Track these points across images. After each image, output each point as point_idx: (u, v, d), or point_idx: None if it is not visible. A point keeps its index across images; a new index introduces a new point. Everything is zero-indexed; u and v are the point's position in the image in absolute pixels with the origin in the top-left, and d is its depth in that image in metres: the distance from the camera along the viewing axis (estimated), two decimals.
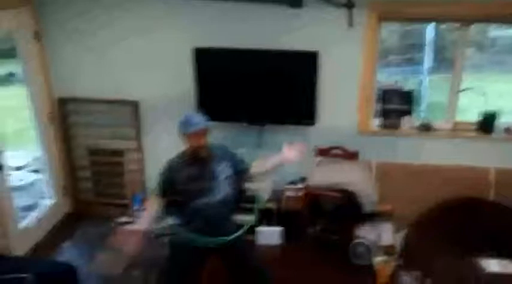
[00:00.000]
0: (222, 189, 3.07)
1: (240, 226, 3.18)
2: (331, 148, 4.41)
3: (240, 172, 3.20)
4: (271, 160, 3.20)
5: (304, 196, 4.26)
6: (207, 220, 3.05)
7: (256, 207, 3.47)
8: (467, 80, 4.39)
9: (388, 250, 4.09)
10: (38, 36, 4.39)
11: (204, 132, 2.99)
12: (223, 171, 3.08)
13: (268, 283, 3.28)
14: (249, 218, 4.34)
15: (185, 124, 2.99)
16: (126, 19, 4.35)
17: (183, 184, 3.02)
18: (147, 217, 3.08)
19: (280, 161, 3.16)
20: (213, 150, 3.08)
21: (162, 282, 3.40)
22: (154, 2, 4.23)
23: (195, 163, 3.03)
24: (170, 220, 3.43)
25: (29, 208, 4.79)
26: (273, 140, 4.50)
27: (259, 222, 4.20)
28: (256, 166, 3.26)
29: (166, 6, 4.23)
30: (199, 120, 3.00)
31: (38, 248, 4.43)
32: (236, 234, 3.11)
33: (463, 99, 4.40)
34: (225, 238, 3.06)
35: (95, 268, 4.15)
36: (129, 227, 2.94)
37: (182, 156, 3.10)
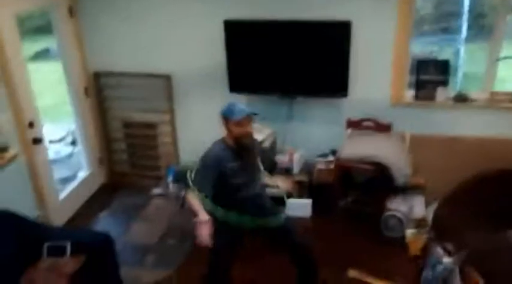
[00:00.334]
0: (263, 179, 3.10)
1: (277, 200, 3.22)
2: (363, 120, 4.36)
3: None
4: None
5: (336, 169, 4.24)
6: (250, 209, 3.01)
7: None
8: (507, 49, 4.23)
9: (420, 223, 4.07)
10: (72, 11, 4.45)
11: (249, 120, 2.91)
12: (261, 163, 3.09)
13: (313, 261, 3.26)
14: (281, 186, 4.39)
15: (231, 111, 2.88)
16: None
17: (229, 178, 2.92)
18: (199, 206, 2.89)
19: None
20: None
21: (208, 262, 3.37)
22: None
23: (240, 153, 2.95)
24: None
25: (67, 179, 4.95)
26: (304, 112, 4.50)
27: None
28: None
29: None
30: (245, 108, 2.91)
31: (75, 218, 4.59)
32: (283, 214, 3.15)
33: (502, 69, 4.26)
34: (273, 220, 3.08)
35: (131, 237, 4.28)
36: (197, 219, 2.85)
37: (224, 148, 2.96)
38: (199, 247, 2.91)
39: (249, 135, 2.96)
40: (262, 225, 3.05)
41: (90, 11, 4.53)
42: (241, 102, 3.02)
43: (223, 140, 2.98)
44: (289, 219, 3.28)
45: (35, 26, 8.29)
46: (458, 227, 3.53)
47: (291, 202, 4.31)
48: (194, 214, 2.89)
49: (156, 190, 4.96)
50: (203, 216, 2.84)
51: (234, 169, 2.92)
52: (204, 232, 2.83)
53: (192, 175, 2.96)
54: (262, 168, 3.13)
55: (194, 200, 2.91)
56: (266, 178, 3.30)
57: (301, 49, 4.19)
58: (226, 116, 2.90)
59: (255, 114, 2.94)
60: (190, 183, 2.93)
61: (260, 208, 3.07)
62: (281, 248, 3.22)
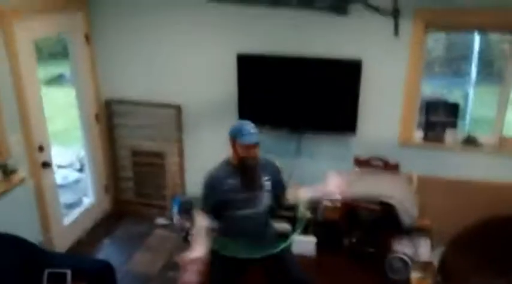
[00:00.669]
0: (266, 200, 3.03)
1: (281, 236, 3.17)
2: (371, 159, 4.35)
3: (277, 192, 3.13)
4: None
5: (342, 207, 4.21)
6: (251, 230, 3.00)
7: (300, 219, 3.34)
8: None
9: (425, 267, 4.00)
10: (88, 38, 4.55)
11: (256, 146, 2.92)
12: (269, 184, 3.03)
13: None
14: (289, 228, 4.35)
15: (240, 132, 2.90)
16: (173, 26, 4.45)
17: (229, 194, 2.93)
18: (201, 242, 2.88)
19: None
20: (260, 161, 3.03)
21: None
22: (203, 8, 4.28)
23: (241, 172, 2.96)
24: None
25: (72, 205, 4.96)
26: (313, 148, 4.50)
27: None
28: (290, 194, 3.22)
29: (214, 13, 4.29)
30: (254, 132, 2.91)
31: (78, 244, 4.57)
32: (284, 245, 3.06)
33: (511, 113, 4.27)
34: (273, 250, 3.00)
35: (132, 267, 4.25)
36: (188, 255, 2.76)
37: (227, 164, 3.01)
38: None
39: (254, 158, 2.95)
40: (259, 251, 2.97)
41: (106, 39, 4.63)
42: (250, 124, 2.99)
43: (226, 160, 3.02)
44: (291, 254, 3.25)
45: (50, 52, 8.47)
46: (465, 272, 3.47)
47: (296, 239, 4.29)
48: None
49: (160, 220, 4.93)
50: (196, 252, 2.80)
51: (233, 185, 2.93)
52: (193, 269, 2.75)
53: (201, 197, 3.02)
54: (268, 190, 3.04)
55: (199, 226, 2.93)
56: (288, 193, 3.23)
57: (312, 85, 4.23)
58: (234, 137, 2.91)
59: (259, 142, 2.95)
60: (200, 205, 2.98)
61: (260, 229, 3.05)
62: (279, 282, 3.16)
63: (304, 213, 3.31)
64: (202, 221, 2.97)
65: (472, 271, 3.47)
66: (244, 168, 2.95)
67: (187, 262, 2.75)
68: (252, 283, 3.37)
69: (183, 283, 2.77)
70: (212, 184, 2.96)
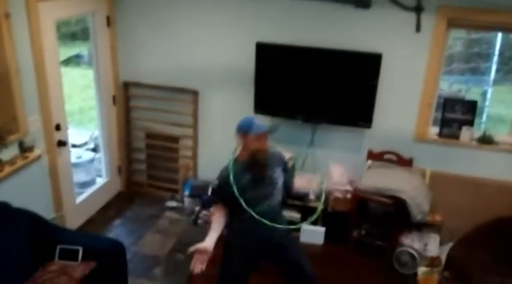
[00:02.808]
0: (278, 194, 3.03)
1: (290, 224, 3.17)
2: (384, 152, 4.34)
3: (285, 182, 3.12)
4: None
5: (353, 199, 4.22)
6: (262, 225, 2.92)
7: (316, 208, 3.32)
8: None
9: (434, 262, 4.00)
10: (109, 21, 4.56)
11: (266, 135, 2.91)
12: (279, 176, 3.03)
13: None
14: (297, 216, 4.36)
15: (248, 125, 2.89)
16: (195, 12, 4.45)
17: (243, 191, 2.86)
18: (213, 235, 2.88)
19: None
20: (270, 155, 3.01)
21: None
22: None
23: (254, 168, 2.92)
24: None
25: (85, 184, 5.01)
26: (326, 139, 4.50)
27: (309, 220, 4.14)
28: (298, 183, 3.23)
29: (236, 0, 4.30)
30: (262, 123, 2.93)
31: (89, 223, 4.63)
32: (294, 226, 3.11)
33: None
34: (284, 226, 3.02)
35: (141, 248, 4.30)
36: (196, 246, 2.77)
37: (238, 161, 2.96)
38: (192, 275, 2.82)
39: (265, 151, 2.93)
40: (271, 237, 3.00)
41: (126, 22, 4.64)
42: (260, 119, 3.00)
43: (233, 158, 2.97)
44: (299, 248, 3.29)
45: (69, 32, 8.52)
46: (472, 270, 3.47)
47: (305, 228, 4.32)
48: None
49: (171, 203, 4.98)
50: (204, 243, 2.80)
51: (247, 182, 2.91)
52: (201, 259, 2.78)
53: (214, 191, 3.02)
54: (280, 183, 3.04)
55: (213, 220, 2.95)
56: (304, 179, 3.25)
57: (330, 77, 4.22)
58: (244, 131, 2.90)
59: (274, 129, 2.95)
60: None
61: (272, 222, 2.97)
62: (288, 277, 3.15)
63: (318, 203, 3.28)
64: (219, 216, 2.98)
65: (480, 269, 3.46)
66: (255, 164, 2.92)
67: (195, 251, 2.78)
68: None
69: (192, 271, 2.80)
70: (228, 179, 2.87)
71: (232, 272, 3.07)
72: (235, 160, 2.95)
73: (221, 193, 3.00)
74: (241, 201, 2.80)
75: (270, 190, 3.00)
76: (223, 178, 2.94)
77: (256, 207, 2.89)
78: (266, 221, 2.83)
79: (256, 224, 2.86)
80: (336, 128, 4.40)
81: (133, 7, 4.58)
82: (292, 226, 3.08)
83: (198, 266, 2.78)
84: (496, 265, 3.49)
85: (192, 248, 2.76)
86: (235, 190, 2.80)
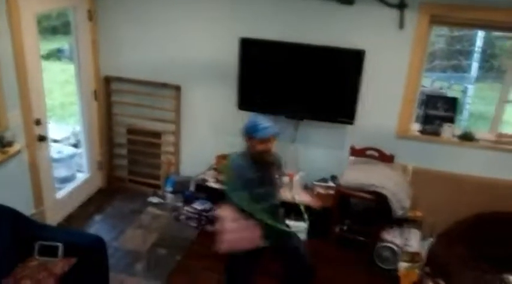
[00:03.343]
0: (277, 193, 3.10)
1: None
2: (367, 148, 4.37)
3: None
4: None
5: (335, 195, 4.24)
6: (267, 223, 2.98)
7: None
8: None
9: (414, 257, 4.04)
10: (90, 15, 4.50)
11: (273, 138, 2.94)
12: (276, 176, 3.10)
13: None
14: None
15: (255, 128, 2.90)
16: (177, 6, 4.41)
17: (250, 188, 2.91)
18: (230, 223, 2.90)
19: None
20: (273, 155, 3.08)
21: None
22: None
23: (260, 167, 2.98)
24: None
25: (65, 179, 4.95)
26: (309, 135, 4.51)
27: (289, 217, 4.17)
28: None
29: None
30: (270, 125, 2.92)
31: (70, 219, 4.58)
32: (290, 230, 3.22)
33: (509, 111, 4.28)
34: (283, 228, 3.10)
35: (123, 243, 4.26)
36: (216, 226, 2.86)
37: (246, 159, 2.99)
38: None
39: (270, 152, 2.98)
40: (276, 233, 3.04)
41: (108, 16, 4.58)
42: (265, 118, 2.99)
43: (243, 153, 3.01)
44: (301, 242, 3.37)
45: (50, 26, 8.39)
46: (452, 265, 3.51)
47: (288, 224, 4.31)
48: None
49: (153, 199, 4.95)
50: (225, 211, 2.87)
51: (254, 180, 2.94)
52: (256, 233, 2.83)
53: (226, 190, 3.00)
54: (280, 183, 3.14)
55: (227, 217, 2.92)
56: (294, 194, 3.39)
57: (313, 73, 4.22)
58: (250, 133, 2.92)
59: (278, 133, 2.98)
60: (228, 197, 2.94)
61: (273, 221, 3.03)
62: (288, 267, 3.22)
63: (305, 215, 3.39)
64: (229, 213, 2.94)
65: (460, 264, 3.51)
66: (261, 165, 2.97)
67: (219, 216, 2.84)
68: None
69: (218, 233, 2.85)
70: (240, 172, 2.92)
71: (240, 264, 3.10)
72: (246, 156, 2.99)
73: (243, 180, 2.92)
74: (254, 191, 2.87)
75: (272, 189, 3.06)
76: (240, 167, 2.95)
77: (261, 204, 2.93)
78: (269, 221, 2.89)
79: (260, 221, 2.90)
80: (319, 124, 4.41)
81: (115, 1, 4.52)
82: (290, 230, 3.21)
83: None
84: (476, 261, 3.54)
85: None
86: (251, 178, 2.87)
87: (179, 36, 4.51)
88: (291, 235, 3.23)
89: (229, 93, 4.47)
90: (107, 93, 4.86)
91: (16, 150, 3.68)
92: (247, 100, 4.40)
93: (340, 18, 4.10)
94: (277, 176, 3.16)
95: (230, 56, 4.35)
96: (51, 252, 3.20)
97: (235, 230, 2.85)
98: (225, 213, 2.92)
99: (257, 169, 2.98)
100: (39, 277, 3.03)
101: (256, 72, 4.34)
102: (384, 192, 3.95)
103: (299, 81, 4.27)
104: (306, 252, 3.24)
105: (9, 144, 3.62)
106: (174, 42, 4.54)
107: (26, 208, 3.73)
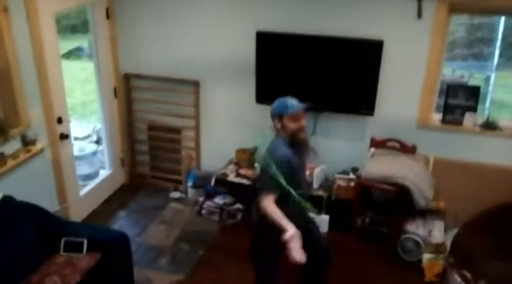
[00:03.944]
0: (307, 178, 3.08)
1: None
2: (388, 140, 4.33)
3: None
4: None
5: (356, 187, 4.21)
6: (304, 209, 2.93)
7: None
8: None
9: (438, 248, 4.01)
10: (109, 12, 4.54)
11: (302, 114, 2.84)
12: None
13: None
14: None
15: (285, 106, 2.81)
16: (194, 2, 4.42)
17: (292, 175, 2.79)
18: (283, 218, 2.67)
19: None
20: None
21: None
22: None
23: (297, 149, 2.87)
24: None
25: (88, 177, 5.02)
26: (328, 127, 4.49)
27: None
28: None
29: None
30: (296, 102, 2.84)
31: (93, 215, 4.64)
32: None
33: None
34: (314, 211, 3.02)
35: (146, 239, 4.31)
36: (288, 234, 2.57)
37: (286, 144, 2.83)
38: (291, 264, 2.61)
39: (304, 130, 2.89)
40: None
41: (126, 13, 4.62)
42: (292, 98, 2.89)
43: (278, 140, 2.85)
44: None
45: (69, 25, 8.50)
46: (478, 255, 3.46)
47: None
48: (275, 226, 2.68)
49: (175, 194, 4.99)
50: (292, 229, 2.60)
51: (297, 165, 2.85)
52: (297, 246, 2.59)
53: (264, 180, 2.82)
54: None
55: (275, 210, 2.71)
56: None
57: (331, 65, 4.19)
58: (281, 112, 2.82)
59: (308, 107, 2.89)
60: (265, 188, 2.77)
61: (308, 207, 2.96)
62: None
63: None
64: (274, 207, 2.77)
65: (485, 255, 3.46)
66: (298, 146, 2.88)
67: (288, 239, 2.60)
68: None
69: (292, 261, 2.62)
70: (285, 162, 2.76)
71: (271, 253, 2.98)
72: (283, 140, 2.84)
73: (288, 168, 2.77)
74: (295, 178, 2.79)
75: (304, 173, 3.00)
76: (285, 154, 2.78)
77: (300, 189, 2.84)
78: (308, 205, 2.84)
79: (299, 209, 2.84)
80: (339, 116, 4.39)
81: (133, 0, 4.55)
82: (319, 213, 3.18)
83: (300, 254, 2.60)
84: (501, 250, 3.49)
85: (286, 236, 2.58)
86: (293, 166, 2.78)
87: (196, 32, 4.52)
88: (315, 222, 3.27)
89: (248, 86, 4.47)
90: (126, 90, 4.91)
91: (39, 148, 3.74)
92: (265, 93, 4.39)
93: (357, 9, 4.06)
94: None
95: (247, 50, 4.35)
96: (76, 248, 3.25)
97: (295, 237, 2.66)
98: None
99: (298, 155, 2.87)
100: (65, 272, 3.07)
101: (274, 65, 4.32)
102: (406, 182, 3.92)
103: (317, 73, 4.25)
104: (324, 239, 3.27)
105: (32, 142, 3.68)
106: (191, 38, 4.56)
107: (50, 205, 3.80)
